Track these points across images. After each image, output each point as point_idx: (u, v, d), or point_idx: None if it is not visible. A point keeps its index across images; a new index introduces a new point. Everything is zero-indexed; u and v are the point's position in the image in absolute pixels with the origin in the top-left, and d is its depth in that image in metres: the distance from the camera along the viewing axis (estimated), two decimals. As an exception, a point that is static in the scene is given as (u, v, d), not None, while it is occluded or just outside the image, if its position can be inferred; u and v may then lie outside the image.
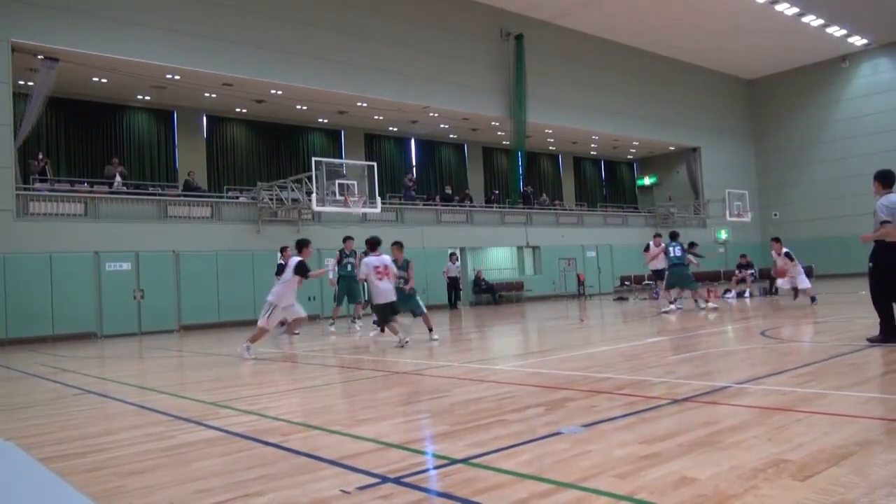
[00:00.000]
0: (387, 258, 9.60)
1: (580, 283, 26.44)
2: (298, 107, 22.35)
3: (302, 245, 9.55)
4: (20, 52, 15.96)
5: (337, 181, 17.92)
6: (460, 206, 25.63)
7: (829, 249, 31.30)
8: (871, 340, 6.83)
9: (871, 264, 6.77)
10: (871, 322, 9.61)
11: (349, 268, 13.31)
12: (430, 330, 10.16)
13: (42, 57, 16.33)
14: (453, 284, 21.80)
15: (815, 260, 22.82)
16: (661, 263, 15.72)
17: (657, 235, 16.81)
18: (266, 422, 4.67)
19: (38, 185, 17.12)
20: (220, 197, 19.96)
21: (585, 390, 5.18)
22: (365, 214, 20.57)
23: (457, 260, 21.90)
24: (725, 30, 28.64)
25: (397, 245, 10.50)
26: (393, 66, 21.94)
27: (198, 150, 22.59)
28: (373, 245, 9.52)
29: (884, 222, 6.51)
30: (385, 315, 9.53)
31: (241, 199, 20.14)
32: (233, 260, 18.41)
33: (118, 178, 18.89)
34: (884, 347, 6.61)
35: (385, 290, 9.35)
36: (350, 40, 21.00)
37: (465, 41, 24.25)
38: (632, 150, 34.60)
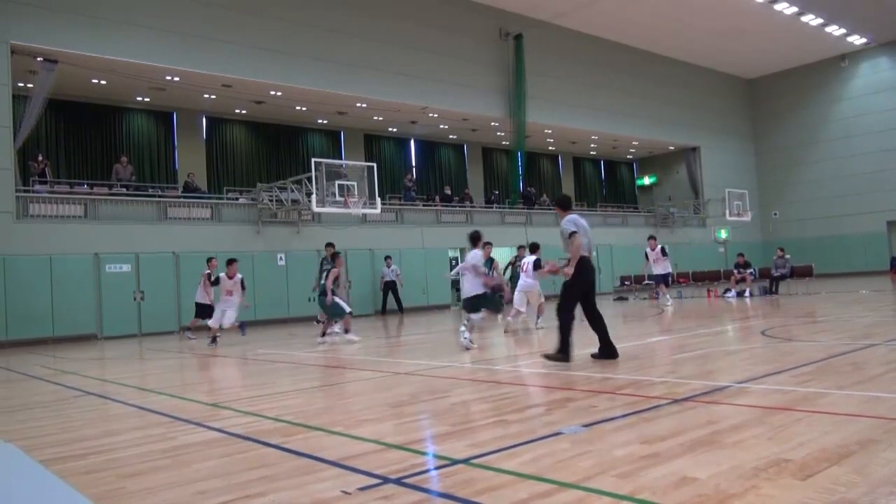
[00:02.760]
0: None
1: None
2: (298, 108, 22.33)
3: (476, 238, 9.70)
4: (19, 54, 15.95)
5: (337, 182, 17.91)
6: (460, 206, 25.61)
7: (829, 248, 31.38)
8: (547, 357, 6.85)
9: (570, 281, 6.82)
10: (870, 321, 9.63)
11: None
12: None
13: (41, 59, 16.33)
14: (389, 289, 20.79)
15: (815, 259, 22.84)
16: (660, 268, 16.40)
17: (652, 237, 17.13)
18: (266, 423, 4.67)
19: (37, 186, 17.11)
20: (220, 198, 19.96)
21: (585, 390, 5.18)
22: (365, 215, 20.58)
23: (392, 263, 20.84)
24: (725, 30, 28.63)
25: (488, 245, 10.56)
26: (393, 66, 21.93)
27: (197, 151, 22.57)
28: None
29: (572, 233, 6.74)
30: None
31: (240, 201, 20.14)
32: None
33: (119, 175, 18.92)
34: (888, 345, 6.63)
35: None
36: (350, 40, 20.99)
37: (465, 41, 24.23)
38: (631, 150, 34.58)
